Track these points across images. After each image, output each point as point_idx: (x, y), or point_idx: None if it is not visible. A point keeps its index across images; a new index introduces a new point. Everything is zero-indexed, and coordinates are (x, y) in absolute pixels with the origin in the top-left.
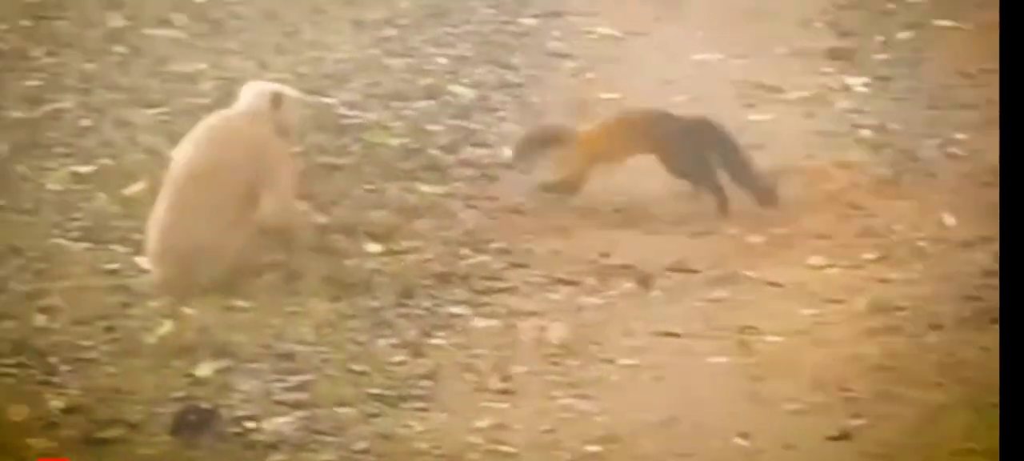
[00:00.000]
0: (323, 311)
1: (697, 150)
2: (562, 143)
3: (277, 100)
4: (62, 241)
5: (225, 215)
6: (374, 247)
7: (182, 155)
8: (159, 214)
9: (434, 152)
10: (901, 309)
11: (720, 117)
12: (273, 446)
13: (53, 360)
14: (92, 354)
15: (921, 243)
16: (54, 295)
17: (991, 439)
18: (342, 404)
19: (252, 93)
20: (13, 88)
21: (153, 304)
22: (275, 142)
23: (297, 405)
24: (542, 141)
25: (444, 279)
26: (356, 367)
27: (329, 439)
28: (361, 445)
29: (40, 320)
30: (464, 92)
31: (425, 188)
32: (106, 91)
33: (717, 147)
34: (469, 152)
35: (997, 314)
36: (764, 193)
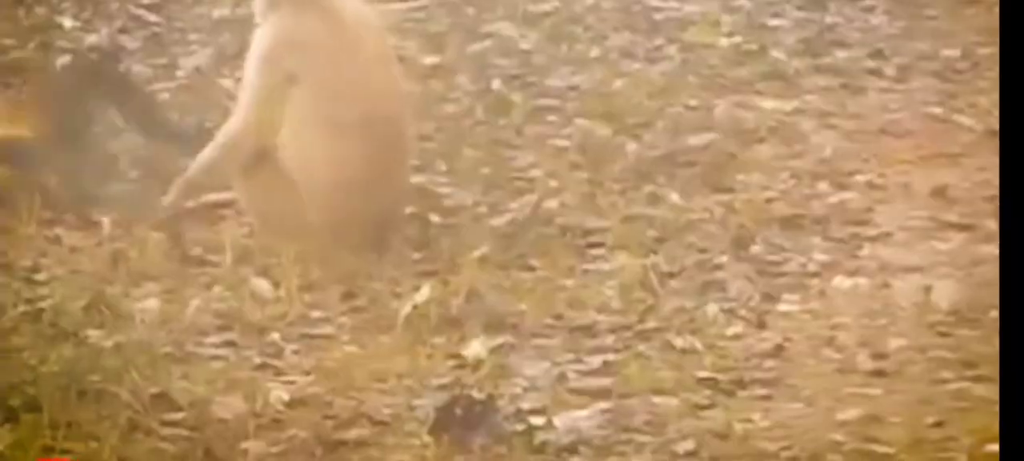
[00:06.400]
0: (633, 270)
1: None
2: None
3: None
4: None
5: None
6: (698, 184)
7: None
8: None
9: (777, 55)
10: None
11: None
12: (568, 449)
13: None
14: (326, 329)
15: None
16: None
17: None
18: (659, 392)
19: None
20: None
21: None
22: None
23: (599, 394)
24: None
25: (793, 224)
26: (678, 343)
27: (643, 439)
28: (686, 446)
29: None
30: None
31: (766, 104)
32: None
33: None
34: (825, 55)
35: None
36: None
